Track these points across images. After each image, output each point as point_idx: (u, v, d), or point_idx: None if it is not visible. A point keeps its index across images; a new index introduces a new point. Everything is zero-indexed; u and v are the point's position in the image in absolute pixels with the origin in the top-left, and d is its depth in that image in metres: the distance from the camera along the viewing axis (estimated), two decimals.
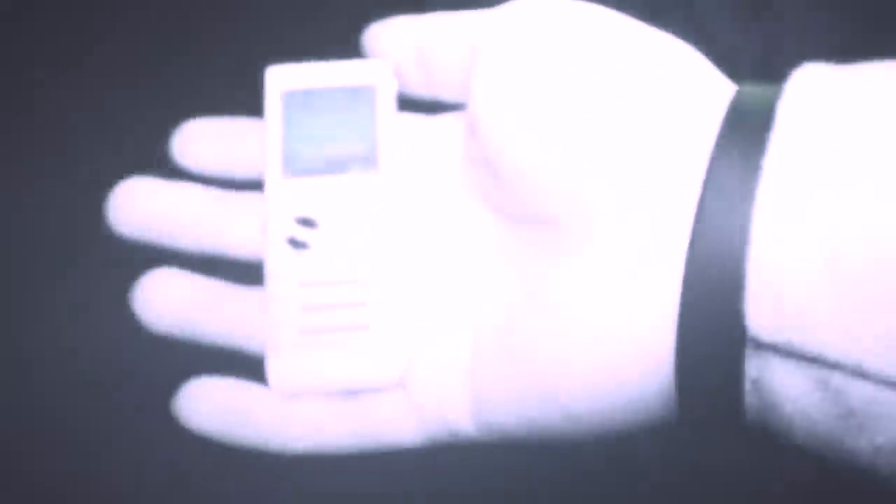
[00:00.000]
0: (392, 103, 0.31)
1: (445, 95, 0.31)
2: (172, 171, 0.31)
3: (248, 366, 0.32)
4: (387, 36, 0.31)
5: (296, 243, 0.30)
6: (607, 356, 0.26)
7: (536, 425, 0.28)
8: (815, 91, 0.25)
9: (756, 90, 0.26)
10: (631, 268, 0.26)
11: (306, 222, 0.30)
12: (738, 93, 0.26)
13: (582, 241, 0.26)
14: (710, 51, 0.31)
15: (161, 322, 0.30)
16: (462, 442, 0.29)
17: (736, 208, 0.24)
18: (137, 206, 0.30)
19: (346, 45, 0.32)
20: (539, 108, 0.27)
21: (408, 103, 0.32)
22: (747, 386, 0.25)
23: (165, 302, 0.30)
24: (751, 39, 0.29)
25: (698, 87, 0.26)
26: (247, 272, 0.32)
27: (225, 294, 0.30)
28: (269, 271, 0.30)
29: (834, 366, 0.23)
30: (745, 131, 0.25)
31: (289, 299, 0.29)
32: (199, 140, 0.31)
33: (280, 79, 0.32)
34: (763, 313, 0.24)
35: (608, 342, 0.26)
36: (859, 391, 0.23)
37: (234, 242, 0.31)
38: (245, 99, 0.31)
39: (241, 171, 0.31)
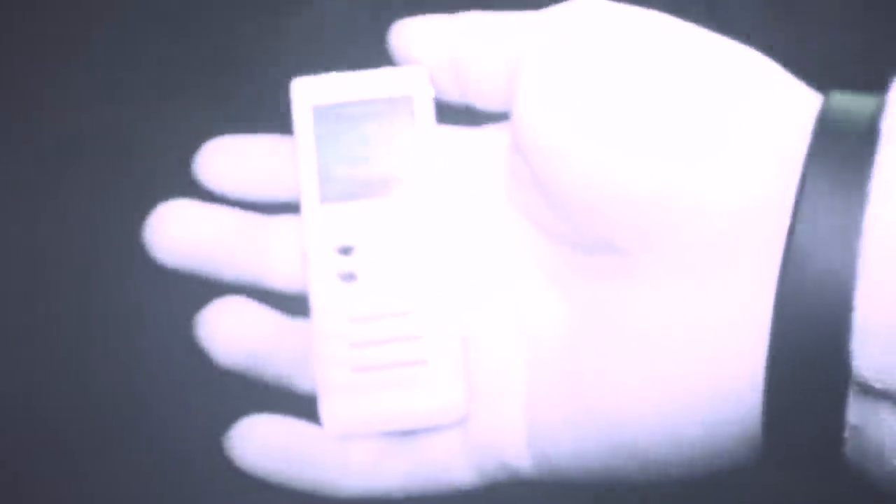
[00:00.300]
0: (430, 114, 0.29)
1: (481, 105, 0.28)
2: (202, 190, 0.28)
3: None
4: (417, 40, 0.28)
5: (343, 276, 0.28)
6: (683, 389, 0.24)
7: (599, 463, 0.26)
8: None
9: (848, 100, 0.23)
10: (711, 296, 0.23)
11: (349, 252, 0.28)
12: (827, 103, 0.24)
13: (653, 267, 0.24)
14: None
15: (226, 354, 0.28)
16: (519, 481, 0.28)
17: (837, 236, 0.22)
18: (176, 232, 0.28)
19: (375, 52, 0.29)
20: (596, 123, 0.24)
21: (442, 110, 0.30)
22: (846, 432, 0.23)
23: (231, 334, 0.28)
24: (774, 37, 0.26)
25: (779, 95, 0.24)
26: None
27: (285, 328, 0.28)
28: (316, 307, 0.28)
29: None
30: (843, 148, 0.22)
31: (338, 336, 0.28)
32: (223, 159, 0.28)
33: (309, 92, 0.29)
34: (873, 356, 0.21)
35: (684, 374, 0.24)
36: None
37: (275, 273, 0.29)
38: (274, 115, 0.29)
39: (268, 193, 0.29)
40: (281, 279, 0.29)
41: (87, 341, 0.37)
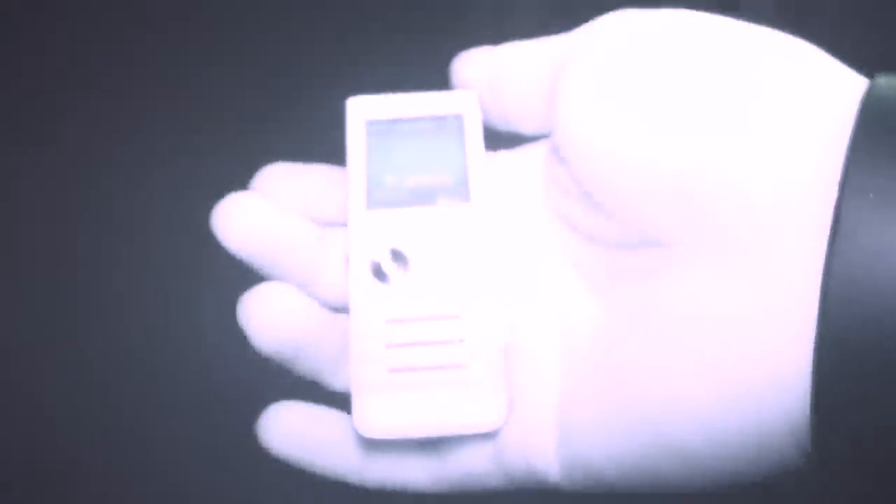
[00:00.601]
0: (479, 132, 0.30)
1: (522, 128, 0.29)
2: None
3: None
4: (464, 68, 0.29)
5: (381, 275, 0.28)
6: (727, 379, 0.23)
7: (636, 462, 0.25)
8: None
9: (893, 83, 0.23)
10: (756, 283, 0.23)
11: (393, 254, 0.28)
12: (872, 86, 0.23)
13: (697, 257, 0.24)
14: None
15: (266, 340, 0.27)
16: (548, 487, 0.27)
17: (884, 216, 0.21)
18: (244, 220, 0.27)
19: (435, 82, 0.30)
20: (638, 118, 0.24)
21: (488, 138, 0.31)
22: None
23: (272, 318, 0.27)
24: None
25: (823, 79, 0.24)
26: None
27: (326, 320, 0.28)
28: (354, 307, 0.27)
29: None
30: (888, 128, 0.22)
31: (375, 337, 0.27)
32: (280, 183, 0.29)
33: (362, 108, 0.30)
34: None
35: (727, 364, 0.23)
36: None
37: (324, 281, 0.28)
38: (328, 143, 0.30)
39: (320, 217, 0.29)
40: (328, 288, 0.28)
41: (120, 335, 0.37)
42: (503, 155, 0.30)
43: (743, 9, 0.26)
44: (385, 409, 0.26)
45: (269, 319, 0.27)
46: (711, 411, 0.23)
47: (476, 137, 0.30)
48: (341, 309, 0.28)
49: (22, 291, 0.37)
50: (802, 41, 0.25)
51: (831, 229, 0.22)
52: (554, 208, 0.28)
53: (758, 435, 0.23)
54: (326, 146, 0.30)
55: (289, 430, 0.27)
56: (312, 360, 0.28)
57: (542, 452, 0.26)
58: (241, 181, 0.29)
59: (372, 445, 0.27)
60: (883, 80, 0.23)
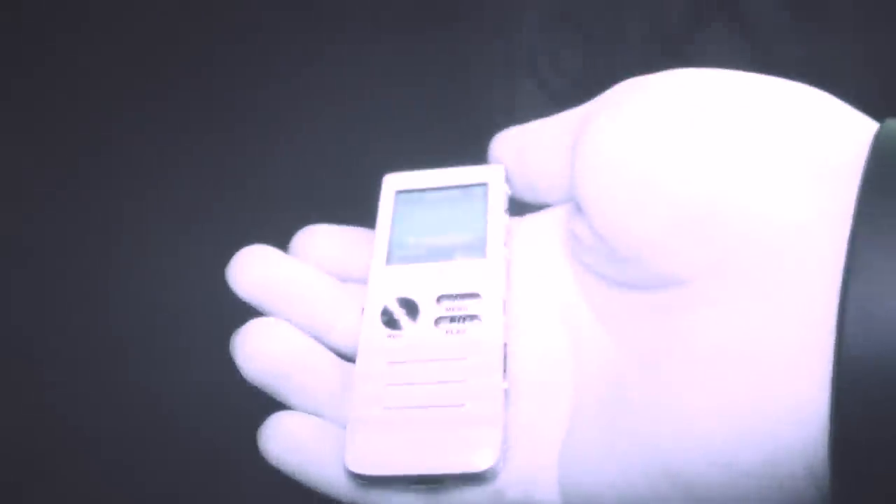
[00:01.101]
0: (503, 203, 0.31)
1: (548, 197, 0.30)
2: None
3: None
4: (497, 145, 0.31)
5: (392, 322, 0.28)
6: (740, 413, 0.22)
7: (641, 494, 0.23)
8: None
9: None
10: (774, 323, 0.22)
11: (403, 302, 0.29)
12: (882, 129, 0.23)
13: (713, 293, 0.23)
14: (755, 56, 0.29)
15: (254, 368, 0.28)
16: None
17: None
18: (257, 270, 0.29)
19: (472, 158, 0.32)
20: (653, 165, 0.25)
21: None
22: None
23: (262, 348, 0.28)
24: (794, 41, 0.26)
25: (835, 123, 0.24)
26: None
27: (318, 354, 0.29)
28: (361, 349, 0.28)
29: None
30: None
31: (376, 375, 0.27)
32: (317, 241, 0.31)
33: (397, 182, 0.32)
34: None
35: (741, 398, 0.22)
36: None
37: (338, 331, 0.29)
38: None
39: (351, 274, 0.31)
40: (341, 336, 0.29)
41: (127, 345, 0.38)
42: (528, 218, 0.31)
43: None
44: (377, 445, 0.26)
45: (258, 348, 0.28)
46: (726, 447, 0.22)
47: (499, 203, 0.30)
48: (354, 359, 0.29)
49: (21, 291, 0.39)
50: (811, 88, 0.26)
51: (845, 264, 0.21)
52: (573, 257, 0.28)
53: (774, 473, 0.22)
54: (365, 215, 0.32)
55: (289, 439, 0.27)
56: (308, 394, 0.28)
57: (544, 491, 0.25)
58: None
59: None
60: (893, 123, 0.24)
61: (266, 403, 0.28)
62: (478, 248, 0.30)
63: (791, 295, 0.22)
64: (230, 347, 0.28)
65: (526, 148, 0.30)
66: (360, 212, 0.32)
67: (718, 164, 0.24)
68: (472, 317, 0.28)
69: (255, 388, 0.28)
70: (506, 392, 0.27)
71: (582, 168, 0.27)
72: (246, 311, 0.29)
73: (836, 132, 0.24)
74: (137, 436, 0.36)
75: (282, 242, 0.31)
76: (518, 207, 0.31)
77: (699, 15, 0.28)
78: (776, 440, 0.21)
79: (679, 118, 0.25)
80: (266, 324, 0.28)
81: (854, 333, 0.20)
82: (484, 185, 0.31)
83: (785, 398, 0.21)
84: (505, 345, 0.27)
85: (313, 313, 0.29)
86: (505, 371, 0.27)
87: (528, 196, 0.31)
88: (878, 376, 0.20)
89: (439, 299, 0.29)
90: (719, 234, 0.23)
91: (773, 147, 0.24)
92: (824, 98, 0.25)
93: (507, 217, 0.31)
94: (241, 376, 0.28)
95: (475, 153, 0.32)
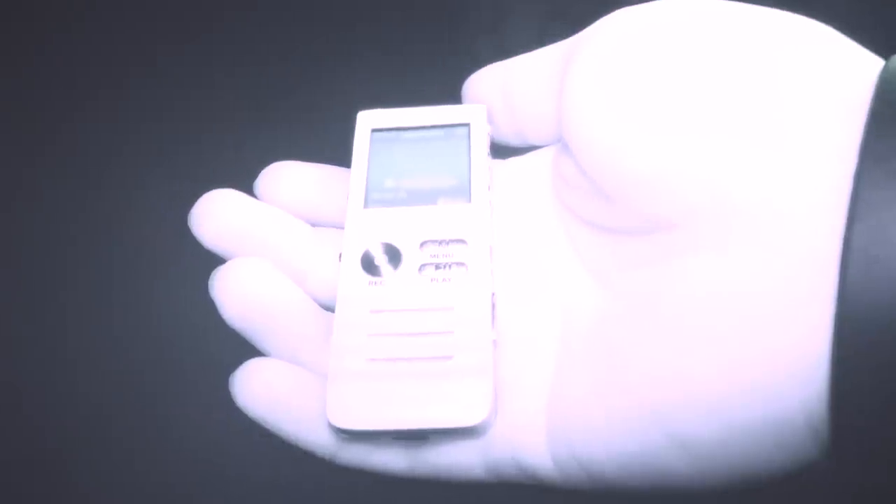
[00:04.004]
0: (485, 144, 0.29)
1: (535, 138, 0.29)
2: None
3: None
4: (476, 85, 0.29)
5: (372, 268, 0.27)
6: (739, 366, 0.21)
7: (643, 462, 0.22)
8: None
9: None
10: (774, 268, 0.21)
11: (385, 248, 0.27)
12: (888, 66, 0.22)
13: (708, 244, 0.22)
14: None
15: (235, 309, 0.26)
16: (538, 482, 0.24)
17: None
18: (222, 216, 0.27)
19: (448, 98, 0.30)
20: (645, 105, 0.24)
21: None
22: None
23: (243, 289, 0.26)
24: None
25: (833, 59, 0.23)
26: None
27: (306, 301, 0.27)
28: (340, 296, 0.26)
29: None
30: None
31: (357, 325, 0.26)
32: (283, 180, 0.29)
33: (371, 120, 0.30)
34: None
35: (741, 350, 0.21)
36: None
37: (315, 277, 0.28)
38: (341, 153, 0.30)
39: (321, 216, 0.29)
40: (318, 284, 0.28)
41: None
42: (511, 161, 0.29)
43: None
44: (361, 400, 0.25)
45: (238, 289, 0.26)
46: (724, 402, 0.21)
47: (482, 145, 0.29)
48: (332, 308, 0.27)
49: (21, 292, 0.37)
50: (815, 21, 0.24)
51: (849, 205, 0.20)
52: (560, 202, 0.27)
53: (774, 428, 0.21)
54: (337, 159, 0.30)
55: (264, 387, 0.25)
56: (288, 339, 0.26)
57: (531, 445, 0.24)
58: (246, 183, 0.29)
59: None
60: None
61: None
62: (462, 191, 0.28)
63: (792, 238, 0.21)
64: (209, 285, 0.26)
65: (511, 86, 0.28)
66: (332, 153, 0.31)
67: (713, 99, 0.23)
68: (458, 264, 0.27)
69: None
70: (494, 343, 0.26)
71: (568, 102, 0.25)
72: None
73: (840, 68, 0.22)
74: (137, 436, 0.35)
75: (251, 186, 0.30)
76: (499, 151, 0.30)
77: None
78: (775, 389, 0.21)
79: (672, 50, 0.24)
80: (249, 262, 0.27)
81: (856, 279, 0.20)
82: (466, 125, 0.30)
83: (785, 345, 0.21)
84: (493, 294, 0.26)
85: (285, 260, 0.27)
86: (493, 321, 0.26)
87: (512, 139, 0.29)
88: (882, 322, 0.19)
89: (422, 245, 0.27)
90: (713, 174, 0.22)
91: (772, 81, 0.22)
92: (828, 32, 0.24)
93: (490, 160, 0.29)
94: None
95: None
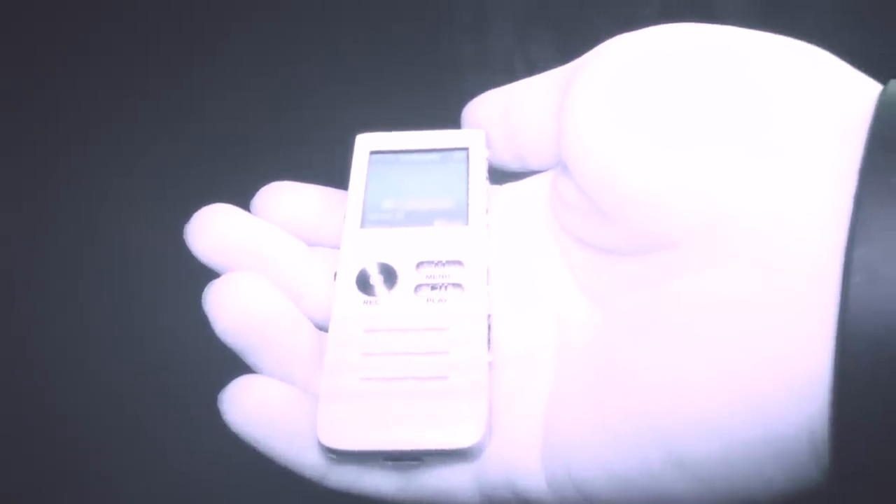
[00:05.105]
0: (483, 168, 0.29)
1: (535, 162, 0.29)
2: None
3: None
4: (477, 109, 0.30)
5: (367, 287, 0.27)
6: (739, 384, 0.21)
7: (640, 484, 0.22)
8: None
9: None
10: (774, 285, 0.21)
11: (381, 267, 0.27)
12: (887, 89, 0.22)
13: (707, 262, 0.22)
14: None
15: (228, 324, 0.26)
16: None
17: None
18: (219, 230, 0.27)
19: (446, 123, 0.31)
20: (644, 124, 0.24)
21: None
22: None
23: (237, 303, 0.26)
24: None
25: (832, 82, 0.23)
26: None
27: (300, 319, 0.27)
28: (334, 315, 0.26)
29: None
30: None
31: (351, 344, 0.25)
32: (280, 200, 0.29)
33: (370, 142, 0.30)
34: None
35: (740, 367, 0.21)
36: None
37: (310, 296, 0.27)
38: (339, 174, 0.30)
39: (316, 237, 0.29)
40: (313, 305, 0.27)
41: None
42: (508, 186, 0.29)
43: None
44: (352, 419, 0.24)
45: (232, 303, 0.26)
46: (724, 419, 0.21)
47: (480, 169, 0.29)
48: (326, 328, 0.27)
49: (22, 292, 0.37)
50: (813, 46, 0.24)
51: (850, 223, 0.20)
52: (558, 224, 0.27)
53: (775, 448, 0.21)
54: (334, 181, 0.30)
55: (254, 404, 0.25)
56: (281, 356, 0.26)
57: (525, 467, 0.24)
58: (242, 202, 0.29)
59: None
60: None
61: None
62: (459, 214, 0.28)
63: (794, 254, 0.21)
64: (202, 300, 0.26)
65: (511, 109, 0.28)
66: (329, 176, 0.30)
67: (712, 119, 0.23)
68: (455, 285, 0.26)
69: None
70: (490, 365, 0.25)
71: (568, 123, 0.25)
72: None
73: (839, 89, 0.23)
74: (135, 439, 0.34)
75: (247, 205, 0.29)
76: (497, 177, 0.30)
77: (670, 14, 0.27)
78: (777, 406, 0.20)
79: (671, 72, 0.24)
80: (243, 277, 0.26)
81: (859, 295, 0.19)
82: (464, 149, 0.30)
83: (787, 362, 0.20)
84: (489, 315, 0.26)
85: (280, 278, 0.27)
86: (489, 343, 0.26)
87: (511, 163, 0.29)
88: (884, 339, 0.19)
89: (419, 266, 0.27)
90: (712, 193, 0.22)
91: (771, 101, 0.23)
92: (826, 56, 0.24)
93: (487, 184, 0.29)
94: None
95: None
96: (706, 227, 0.22)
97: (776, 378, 0.20)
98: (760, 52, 0.24)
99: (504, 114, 0.29)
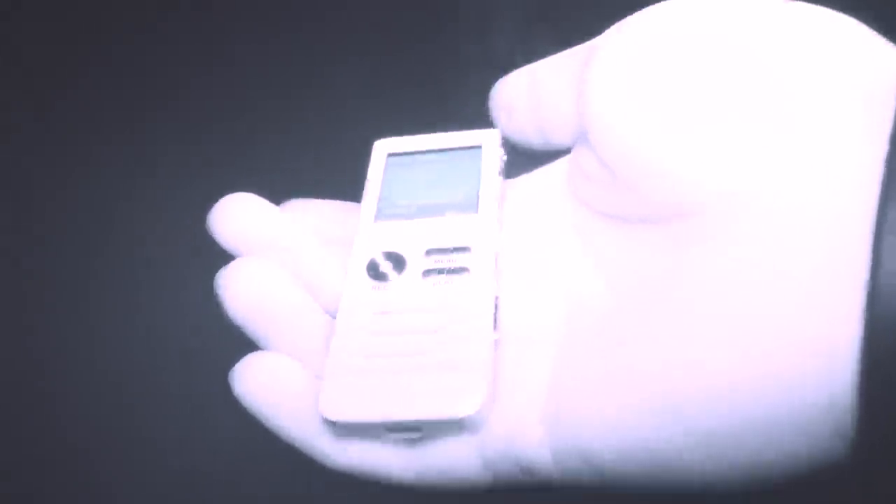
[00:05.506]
0: (498, 165, 0.29)
1: (558, 138, 0.28)
2: None
3: None
4: (504, 86, 0.29)
5: (377, 274, 0.27)
6: (764, 362, 0.20)
7: (653, 458, 0.21)
8: None
9: None
10: (800, 254, 0.20)
11: (390, 255, 0.27)
12: None
13: (729, 230, 0.22)
14: None
15: (241, 306, 0.26)
16: (539, 481, 0.23)
17: None
18: (242, 217, 0.27)
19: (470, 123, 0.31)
20: (668, 95, 0.24)
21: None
22: None
23: (250, 287, 0.26)
24: None
25: (858, 52, 0.22)
26: None
27: (312, 305, 0.27)
28: (343, 300, 0.26)
29: None
30: None
31: (359, 325, 0.25)
32: (301, 214, 0.29)
33: (388, 146, 0.31)
34: None
35: (767, 345, 0.20)
36: None
37: (327, 289, 0.27)
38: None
39: (336, 242, 0.29)
40: (328, 298, 0.27)
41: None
42: (523, 178, 0.29)
43: None
44: (353, 392, 0.24)
45: (243, 286, 0.26)
46: (743, 393, 0.20)
47: (493, 163, 0.29)
48: None
49: (22, 293, 0.37)
50: (843, 15, 0.24)
51: (882, 188, 0.20)
52: (575, 197, 0.27)
53: (797, 421, 0.20)
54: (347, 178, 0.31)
55: (265, 380, 0.25)
56: (292, 340, 0.26)
57: (529, 438, 0.23)
58: None
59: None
60: None
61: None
62: (470, 204, 0.28)
63: (821, 223, 0.20)
64: (214, 283, 0.26)
65: (536, 84, 0.28)
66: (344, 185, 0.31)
67: (734, 90, 0.23)
68: (462, 269, 0.26)
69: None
70: (496, 343, 0.25)
71: (590, 94, 0.25)
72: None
73: (865, 59, 0.22)
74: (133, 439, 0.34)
75: None
76: (511, 171, 0.30)
77: None
78: (800, 381, 0.19)
79: (694, 44, 0.24)
80: (254, 261, 0.26)
81: (891, 265, 0.19)
82: (478, 147, 0.30)
83: (811, 335, 0.19)
84: (497, 297, 0.26)
85: (298, 268, 0.27)
86: (496, 322, 0.25)
87: (534, 138, 0.29)
88: None
89: (428, 252, 0.27)
90: (735, 161, 0.22)
91: (796, 70, 0.22)
92: (856, 26, 0.23)
93: (501, 179, 0.29)
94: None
95: None
96: (726, 198, 0.22)
97: (800, 351, 0.20)
98: (783, 22, 0.23)
99: (529, 88, 0.29)
